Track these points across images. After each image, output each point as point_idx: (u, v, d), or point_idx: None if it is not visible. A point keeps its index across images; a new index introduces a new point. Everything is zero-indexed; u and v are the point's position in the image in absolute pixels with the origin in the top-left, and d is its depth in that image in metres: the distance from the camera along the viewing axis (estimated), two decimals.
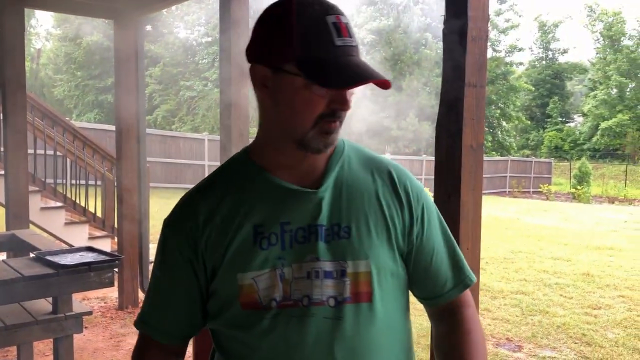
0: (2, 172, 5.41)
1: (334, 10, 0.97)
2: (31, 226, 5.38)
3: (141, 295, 5.48)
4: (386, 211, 1.05)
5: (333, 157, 1.07)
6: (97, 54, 26.34)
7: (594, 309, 5.92)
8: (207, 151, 17.28)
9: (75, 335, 3.55)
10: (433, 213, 1.12)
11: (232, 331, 1.05)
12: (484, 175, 17.70)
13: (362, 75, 0.93)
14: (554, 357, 4.45)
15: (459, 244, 2.29)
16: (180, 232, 1.06)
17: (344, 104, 0.97)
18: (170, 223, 1.09)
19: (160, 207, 11.91)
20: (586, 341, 4.87)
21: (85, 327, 4.66)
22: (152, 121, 26.24)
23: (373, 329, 1.02)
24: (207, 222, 1.04)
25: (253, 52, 1.01)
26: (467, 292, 1.15)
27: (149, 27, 28.70)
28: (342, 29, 0.96)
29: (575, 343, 4.82)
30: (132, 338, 4.59)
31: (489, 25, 2.48)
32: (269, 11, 1.00)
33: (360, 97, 26.33)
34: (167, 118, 27.19)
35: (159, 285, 1.10)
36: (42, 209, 6.33)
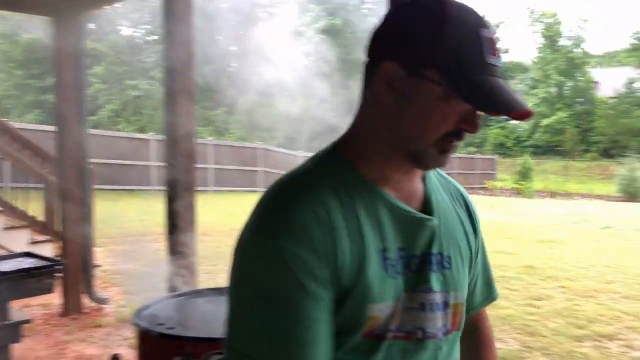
0: None
1: (487, 25, 0.87)
2: None
3: (86, 302, 5.33)
4: (470, 239, 1.05)
5: (427, 178, 1.01)
6: (38, 53, 25.39)
7: (537, 300, 6.14)
8: (153, 152, 16.95)
9: (16, 345, 3.42)
10: (480, 230, 1.11)
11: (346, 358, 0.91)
12: None
13: (514, 103, 0.85)
14: (499, 348, 4.57)
15: None
16: (309, 245, 0.84)
17: (475, 128, 0.89)
18: (286, 233, 0.84)
19: (105, 209, 11.62)
20: (529, 331, 5.04)
21: (27, 336, 4.49)
22: (96, 121, 25.52)
23: (457, 354, 1.05)
24: (340, 238, 0.86)
25: (387, 46, 0.90)
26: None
27: (92, 25, 27.90)
28: (493, 47, 0.87)
29: (519, 333, 4.98)
30: (76, 345, 4.46)
31: None
32: (417, 7, 0.90)
33: (309, 95, 26.43)
34: (112, 118, 26.51)
35: (290, 327, 0.83)
36: (6, 228, 6.08)
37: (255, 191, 18.04)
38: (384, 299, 0.90)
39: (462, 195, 1.09)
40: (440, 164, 0.93)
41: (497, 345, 4.20)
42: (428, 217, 0.96)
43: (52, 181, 6.60)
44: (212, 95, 27.75)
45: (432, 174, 1.05)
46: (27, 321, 2.96)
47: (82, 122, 5.14)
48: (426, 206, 0.98)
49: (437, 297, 0.95)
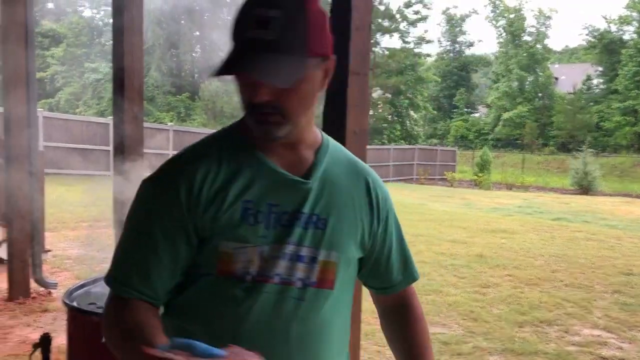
0: None
1: (263, 3, 0.97)
2: None
3: (34, 285, 5.25)
4: (358, 212, 1.15)
5: (320, 152, 1.14)
6: None
7: (484, 287, 6.33)
8: (112, 136, 16.64)
9: None
10: (393, 216, 1.25)
11: (204, 298, 1.06)
12: (392, 163, 18.20)
13: (237, 67, 0.97)
14: (444, 333, 4.73)
15: None
16: (171, 191, 1.05)
17: (251, 97, 0.99)
18: (159, 181, 1.09)
19: (60, 193, 11.40)
20: (473, 317, 5.20)
21: None
22: (54, 104, 24.87)
23: (328, 314, 1.11)
24: (202, 188, 1.05)
25: None
26: (412, 286, 1.32)
27: (50, 5, 27.10)
28: (259, 21, 0.96)
29: (464, 319, 5.14)
30: (21, 330, 4.40)
31: (375, 16, 2.58)
32: None
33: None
34: (70, 101, 25.88)
35: (142, 243, 1.05)
36: None
37: None
38: (241, 241, 1.04)
39: (365, 178, 1.20)
40: (261, 133, 1.04)
41: (442, 330, 4.33)
42: (302, 180, 1.09)
43: None
44: (175, 81, 27.30)
45: (337, 154, 1.17)
46: None
47: (31, 103, 5.03)
48: (308, 174, 1.11)
49: (303, 251, 1.07)
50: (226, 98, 25.11)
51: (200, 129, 21.30)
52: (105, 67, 25.14)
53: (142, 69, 3.79)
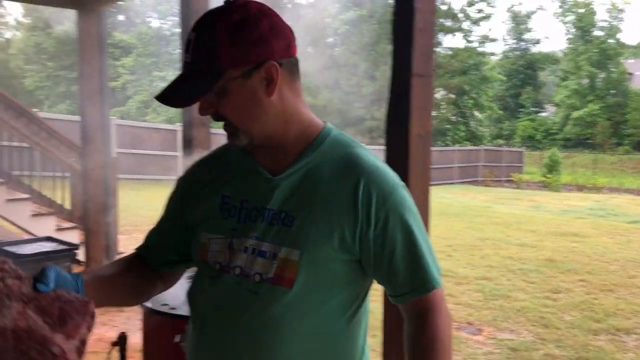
0: None
1: (194, 27, 1.09)
2: None
3: None
4: (336, 212, 1.10)
5: (306, 150, 1.15)
6: (68, 44, 25.89)
7: (554, 293, 6.10)
8: (180, 142, 17.16)
9: None
10: (399, 219, 1.12)
11: (192, 282, 1.22)
12: (456, 165, 17.83)
13: (162, 93, 1.09)
14: (512, 340, 4.60)
15: None
16: (179, 182, 1.29)
17: (198, 111, 1.12)
18: (182, 175, 1.31)
19: (130, 198, 11.86)
20: (544, 324, 5.03)
21: None
22: (125, 112, 25.94)
23: (282, 312, 1.09)
24: (195, 181, 1.24)
25: None
26: (435, 298, 1.14)
27: (121, 17, 28.32)
28: (187, 46, 1.09)
29: (534, 325, 4.97)
30: (98, 328, 4.58)
31: (455, 15, 2.56)
32: None
33: (332, 86, 26.36)
34: (140, 109, 26.91)
35: (160, 217, 1.31)
36: (8, 200, 6.27)
37: None
38: (215, 232, 1.16)
39: (356, 178, 1.12)
40: (228, 141, 1.16)
41: (511, 336, 4.23)
42: (269, 177, 1.15)
43: (77, 170, 6.79)
44: None
45: (330, 152, 1.16)
46: None
47: (105, 112, 5.27)
48: (284, 171, 1.15)
49: (263, 246, 1.11)
50: None
51: None
52: (172, 76, 25.97)
53: None
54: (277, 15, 1.12)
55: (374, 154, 1.19)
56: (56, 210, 6.84)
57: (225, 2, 1.10)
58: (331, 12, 26.20)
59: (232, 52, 1.05)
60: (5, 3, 30.89)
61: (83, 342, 0.95)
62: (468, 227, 10.61)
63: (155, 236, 1.30)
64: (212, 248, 1.15)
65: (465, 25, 30.79)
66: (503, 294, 5.97)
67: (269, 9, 1.11)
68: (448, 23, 30.02)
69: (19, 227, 6.34)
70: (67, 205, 6.96)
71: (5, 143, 6.63)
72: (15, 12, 27.07)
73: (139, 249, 1.30)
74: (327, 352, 1.14)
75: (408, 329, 1.15)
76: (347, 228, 1.10)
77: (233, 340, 1.11)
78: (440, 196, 14.69)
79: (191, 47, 1.07)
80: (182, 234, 1.23)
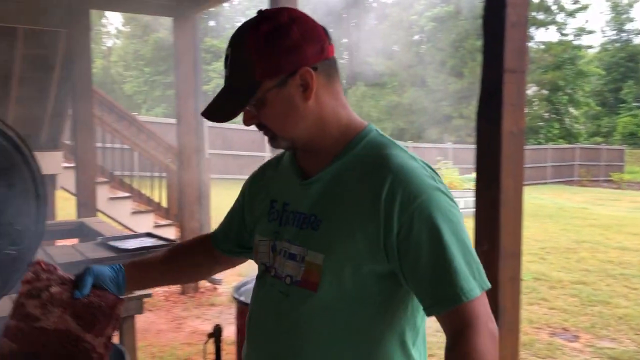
0: (74, 165, 5.78)
1: (230, 41, 1.12)
2: (101, 215, 5.73)
3: (202, 282, 5.74)
4: (359, 217, 1.06)
5: (341, 153, 1.14)
6: (164, 51, 27.25)
7: None
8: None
9: (140, 317, 3.77)
10: (426, 223, 1.03)
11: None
12: (550, 164, 17.00)
13: (205, 109, 1.14)
14: (613, 348, 4.34)
15: (498, 231, 2.31)
16: (245, 184, 1.37)
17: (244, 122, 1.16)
18: (249, 176, 1.40)
19: (222, 197, 12.29)
20: None
21: (150, 310, 4.93)
22: None
23: (311, 316, 1.10)
24: (255, 183, 1.32)
25: None
26: (472, 313, 1.02)
27: (212, 23, 29.42)
28: (225, 61, 1.13)
29: (637, 334, 4.67)
30: (192, 321, 4.83)
31: (552, 9, 2.47)
32: None
33: (418, 84, 25.97)
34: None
35: (230, 209, 1.41)
36: (110, 199, 6.70)
37: None
38: (263, 234, 1.22)
39: (382, 179, 1.07)
40: (270, 146, 1.21)
41: (611, 345, 3.99)
42: (303, 182, 1.17)
43: (173, 170, 7.14)
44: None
45: (362, 154, 1.13)
46: (149, 295, 3.26)
47: (198, 115, 5.50)
48: (317, 175, 1.16)
49: (294, 249, 1.13)
50: (373, 102, 25.36)
51: None
52: None
53: None
54: (308, 19, 1.11)
55: (413, 154, 1.13)
56: (154, 208, 7.23)
57: (257, 12, 1.11)
58: (417, 10, 25.84)
59: (265, 64, 1.06)
60: (107, 13, 32.98)
61: (109, 338, 1.23)
62: (563, 229, 10.11)
63: (222, 227, 1.41)
64: (261, 249, 1.21)
65: (560, 17, 29.35)
66: (602, 299, 5.65)
67: (300, 13, 1.11)
68: (540, 16, 28.74)
69: (120, 223, 6.75)
70: (164, 203, 7.34)
71: (108, 145, 7.08)
72: (116, 21, 28.72)
73: (211, 233, 1.44)
74: (353, 357, 1.09)
75: (445, 348, 1.04)
76: (372, 233, 1.05)
77: (266, 339, 1.17)
78: (532, 196, 14.11)
79: (228, 63, 1.11)
80: (243, 230, 1.33)
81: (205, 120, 1.72)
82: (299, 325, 1.11)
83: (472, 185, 11.20)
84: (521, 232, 2.31)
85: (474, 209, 2.34)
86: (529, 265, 6.96)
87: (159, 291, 5.59)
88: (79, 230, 4.19)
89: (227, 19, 28.60)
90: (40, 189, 1.82)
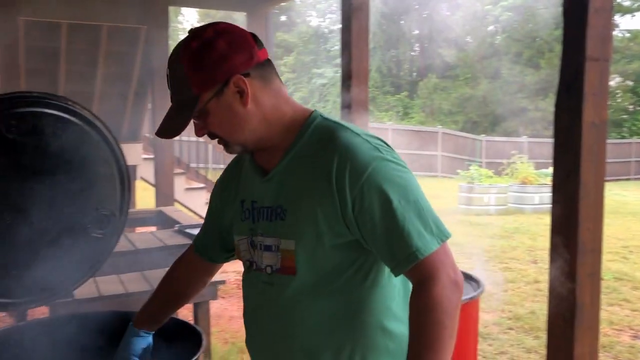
0: (153, 156, 6.04)
1: (168, 62, 1.20)
2: (177, 205, 5.95)
3: None
4: (316, 199, 1.15)
5: (292, 144, 1.21)
6: None
7: None
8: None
9: (213, 303, 3.90)
10: (375, 192, 1.11)
11: None
12: (635, 159, 15.97)
13: (158, 131, 1.22)
14: None
15: (576, 224, 2.23)
16: (213, 190, 1.45)
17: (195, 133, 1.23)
18: (215, 182, 1.48)
19: None
20: None
21: (223, 297, 5.09)
22: None
23: (296, 298, 1.19)
24: (224, 190, 1.38)
25: None
26: (428, 267, 1.10)
27: (283, 17, 29.80)
28: (167, 81, 1.22)
29: None
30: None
31: None
32: None
33: (492, 76, 25.21)
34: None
35: (205, 216, 1.50)
36: (187, 189, 6.95)
37: (435, 176, 17.89)
38: (240, 234, 1.29)
39: (330, 161, 1.14)
40: (225, 150, 1.26)
41: None
42: (263, 178, 1.24)
43: None
44: (394, 81, 27.97)
45: (312, 141, 1.20)
46: (222, 282, 3.38)
47: None
48: (274, 169, 1.23)
49: (269, 241, 1.22)
50: (444, 95, 24.89)
51: (418, 127, 21.44)
52: (329, 72, 26.80)
53: (367, 73, 3.95)
54: (235, 30, 1.18)
55: (357, 130, 1.20)
56: None
57: (188, 32, 1.19)
58: None
59: (199, 77, 1.14)
60: (183, 10, 34.07)
61: None
62: None
63: (202, 238, 1.48)
64: (241, 248, 1.29)
65: None
66: None
67: (226, 25, 1.19)
68: (626, 3, 27.18)
69: (195, 213, 7.00)
70: None
71: (184, 138, 7.34)
72: (192, 18, 29.64)
73: (193, 245, 1.52)
74: (348, 325, 1.19)
75: (409, 300, 1.13)
76: (329, 212, 1.14)
77: (260, 329, 1.27)
78: (614, 193, 13.42)
79: (169, 82, 1.19)
80: (224, 234, 1.40)
81: None
82: (287, 309, 1.20)
83: (548, 180, 10.85)
84: (602, 229, 2.21)
85: (551, 204, 2.27)
86: (610, 264, 6.64)
87: (231, 279, 5.76)
88: (158, 219, 4.38)
89: (298, 14, 28.86)
90: (125, 177, 1.92)
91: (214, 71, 1.14)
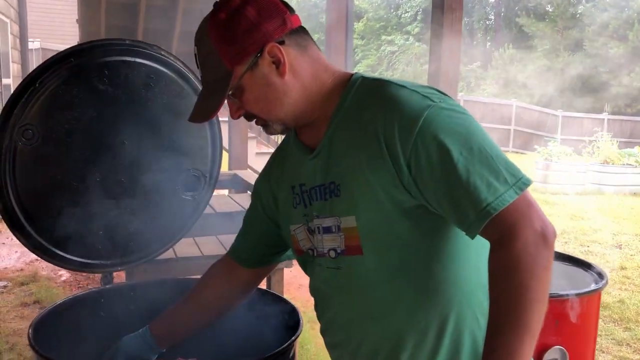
0: (227, 119, 5.99)
1: (195, 40, 1.12)
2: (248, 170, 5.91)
3: None
4: (368, 165, 1.03)
5: (333, 117, 1.11)
6: (305, 11, 27.59)
7: None
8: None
9: (285, 271, 3.84)
10: (431, 147, 0.97)
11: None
12: None
13: (191, 117, 1.14)
14: None
15: None
16: (256, 185, 1.34)
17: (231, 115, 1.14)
18: (258, 176, 1.36)
19: None
20: None
21: (293, 265, 5.03)
22: None
23: (368, 278, 1.08)
24: (269, 182, 1.27)
25: None
26: (508, 220, 0.94)
27: None
28: (195, 61, 1.15)
29: None
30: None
31: None
32: None
33: (572, 48, 23.89)
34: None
35: (244, 219, 1.39)
36: (257, 154, 6.94)
37: (506, 151, 17.23)
38: (295, 222, 1.19)
39: (375, 123, 1.03)
40: (264, 131, 1.20)
41: None
42: (309, 156, 1.14)
43: None
44: (466, 49, 27.01)
45: (354, 106, 1.09)
46: None
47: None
48: (320, 144, 1.12)
49: (327, 222, 1.10)
50: (520, 66, 23.82)
51: (490, 98, 20.65)
52: (400, 39, 26.14)
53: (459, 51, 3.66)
54: None
55: (404, 82, 1.06)
56: None
57: (213, 4, 1.09)
58: None
59: (229, 51, 1.05)
60: None
61: None
62: None
63: (242, 242, 1.37)
64: (300, 237, 1.19)
65: None
66: None
67: None
68: None
69: None
70: None
71: None
72: None
73: (229, 253, 1.39)
74: (428, 302, 1.06)
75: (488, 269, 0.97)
76: (385, 177, 1.02)
77: (339, 318, 1.15)
78: None
79: (198, 61, 1.10)
80: (272, 231, 1.30)
81: None
82: (362, 292, 1.10)
83: (632, 160, 10.17)
84: None
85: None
86: None
87: None
88: (233, 182, 4.34)
89: None
90: (217, 138, 1.81)
91: (245, 42, 1.05)
